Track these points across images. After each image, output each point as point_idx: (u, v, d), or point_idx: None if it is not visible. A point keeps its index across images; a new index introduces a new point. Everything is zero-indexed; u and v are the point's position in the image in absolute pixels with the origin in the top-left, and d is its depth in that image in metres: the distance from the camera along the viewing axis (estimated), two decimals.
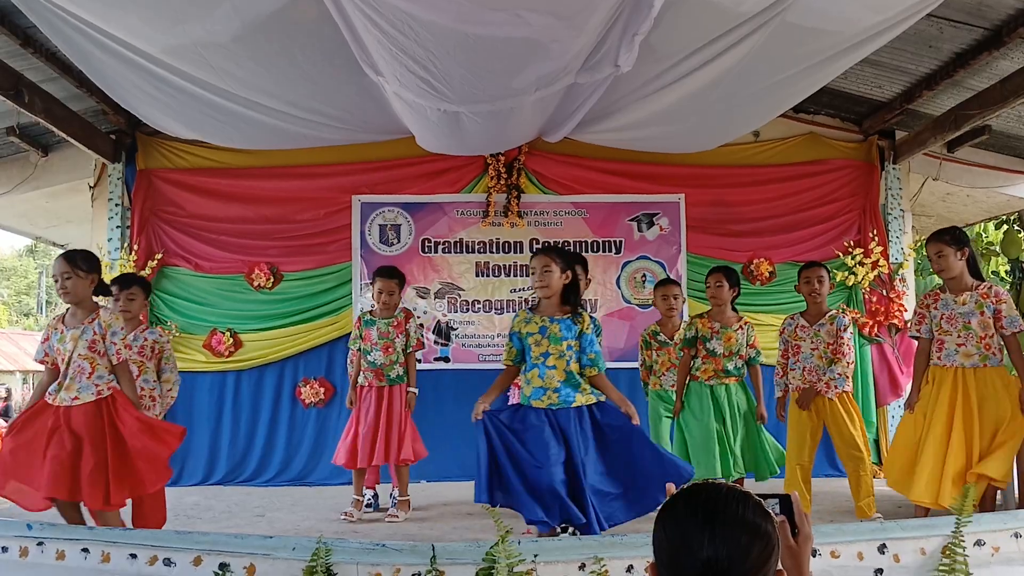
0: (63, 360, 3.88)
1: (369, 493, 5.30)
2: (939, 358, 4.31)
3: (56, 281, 3.90)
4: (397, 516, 5.06)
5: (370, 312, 5.24)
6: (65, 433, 3.78)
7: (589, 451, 3.73)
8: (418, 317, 5.54)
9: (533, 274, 3.87)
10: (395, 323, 5.12)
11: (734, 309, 5.06)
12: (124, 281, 4.77)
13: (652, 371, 5.39)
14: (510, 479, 3.66)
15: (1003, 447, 4.11)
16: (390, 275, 5.19)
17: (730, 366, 4.86)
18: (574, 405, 3.78)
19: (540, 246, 4.17)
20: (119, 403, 3.91)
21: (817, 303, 4.81)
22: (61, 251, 4.00)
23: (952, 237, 4.28)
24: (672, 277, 5.64)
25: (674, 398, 5.04)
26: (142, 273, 6.51)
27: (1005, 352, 4.26)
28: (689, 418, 4.88)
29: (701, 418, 4.79)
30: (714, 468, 4.66)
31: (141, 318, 5.00)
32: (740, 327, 4.93)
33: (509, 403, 4.09)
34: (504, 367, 4.05)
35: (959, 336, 4.23)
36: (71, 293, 3.89)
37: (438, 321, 6.76)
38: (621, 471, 3.74)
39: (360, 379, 5.13)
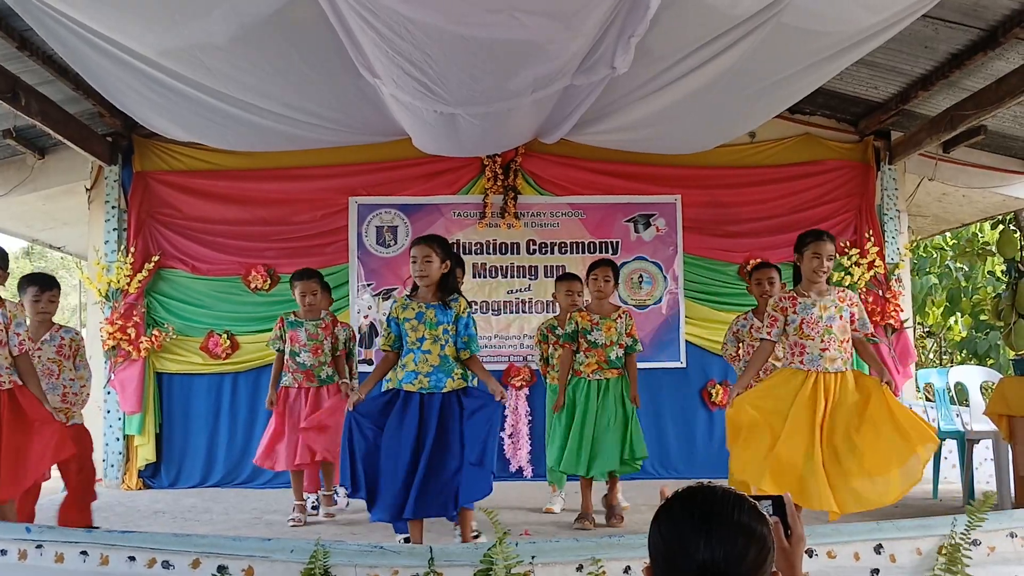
0: None
1: (312, 497, 5.29)
2: (801, 362, 4.11)
3: None
4: (333, 514, 5.08)
5: (293, 314, 5.19)
6: None
7: (443, 441, 3.83)
8: (349, 327, 5.51)
9: (414, 263, 3.96)
10: (323, 325, 5.12)
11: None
12: (47, 282, 4.50)
13: (550, 365, 5.41)
14: (364, 477, 3.84)
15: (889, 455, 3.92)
16: (309, 276, 5.18)
17: (612, 356, 4.86)
18: (444, 390, 3.90)
19: (421, 235, 4.18)
20: (22, 399, 3.84)
21: None
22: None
23: (830, 237, 4.22)
24: (572, 274, 5.61)
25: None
26: (139, 276, 6.52)
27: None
28: (564, 414, 4.91)
29: (575, 416, 4.83)
30: (574, 465, 4.78)
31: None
32: (619, 316, 4.93)
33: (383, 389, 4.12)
34: (383, 353, 4.10)
35: (822, 341, 4.08)
36: None
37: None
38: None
39: (287, 380, 5.08)
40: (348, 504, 5.42)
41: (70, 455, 4.05)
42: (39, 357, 4.30)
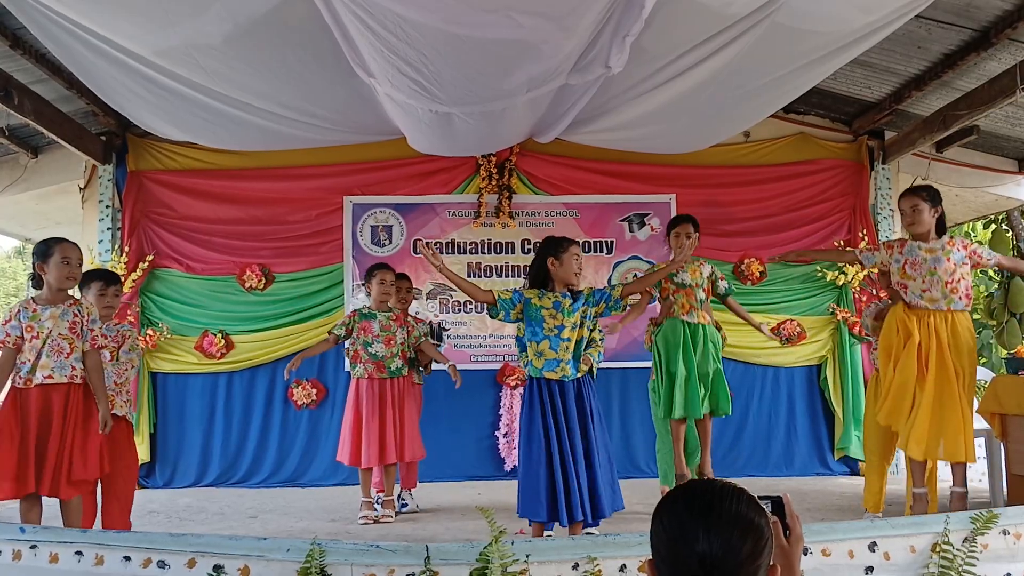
0: (38, 339, 3.86)
1: (380, 495, 5.25)
2: (903, 299, 4.39)
3: (67, 264, 3.94)
4: (391, 517, 5.07)
5: (367, 307, 5.24)
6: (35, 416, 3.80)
7: (584, 434, 3.98)
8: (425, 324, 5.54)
9: (577, 259, 4.05)
10: (394, 316, 5.18)
11: None
12: (111, 277, 4.58)
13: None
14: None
15: (957, 423, 4.20)
16: (386, 267, 5.27)
17: (700, 296, 5.08)
18: (579, 375, 4.06)
19: (568, 239, 4.20)
20: (90, 398, 3.94)
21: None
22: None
23: (928, 194, 4.38)
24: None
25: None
26: (133, 275, 6.51)
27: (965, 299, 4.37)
28: (663, 354, 5.07)
29: (675, 358, 4.98)
30: (697, 408, 4.93)
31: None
32: (701, 264, 5.20)
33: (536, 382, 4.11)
34: (487, 292, 4.06)
35: (923, 282, 4.31)
36: (78, 279, 4.06)
37: (430, 322, 6.74)
38: (599, 461, 4.00)
39: (359, 371, 5.12)
40: (407, 507, 5.41)
41: (97, 476, 4.04)
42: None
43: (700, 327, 5.05)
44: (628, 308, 4.45)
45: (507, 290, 4.08)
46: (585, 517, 3.89)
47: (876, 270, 4.59)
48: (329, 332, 5.22)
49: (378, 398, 5.04)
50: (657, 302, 5.38)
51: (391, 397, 5.06)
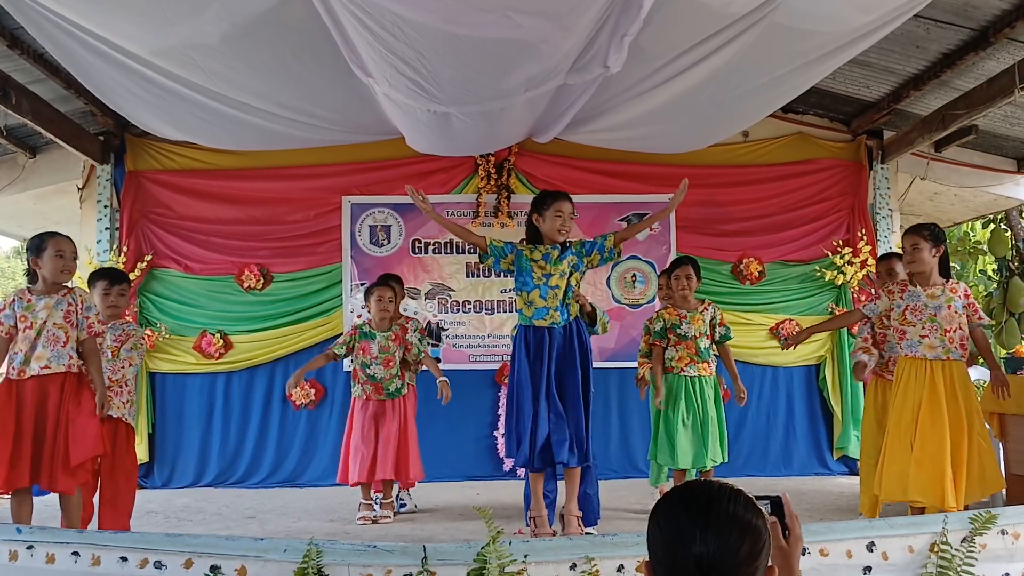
0: (32, 328, 3.85)
1: (379, 496, 5.25)
2: (900, 347, 4.32)
3: (61, 257, 3.94)
4: (389, 517, 5.08)
5: (368, 324, 5.21)
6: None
7: (562, 379, 4.14)
8: (417, 321, 5.47)
9: (559, 217, 4.20)
10: (393, 336, 5.13)
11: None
12: (117, 276, 4.58)
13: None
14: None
15: (980, 465, 4.10)
16: (383, 283, 5.24)
17: (702, 347, 4.91)
18: (571, 319, 4.22)
19: (561, 194, 4.34)
20: (85, 385, 3.92)
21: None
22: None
23: (930, 233, 4.28)
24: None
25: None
26: (132, 275, 6.50)
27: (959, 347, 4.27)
28: (670, 411, 4.91)
29: (674, 411, 4.85)
30: (677, 460, 4.79)
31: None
32: (705, 308, 5.01)
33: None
34: (480, 237, 4.37)
35: (923, 328, 4.21)
36: (73, 273, 4.06)
37: (429, 322, 6.76)
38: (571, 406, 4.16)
39: (357, 391, 5.13)
40: (405, 507, 5.41)
41: (96, 454, 4.01)
42: (101, 344, 4.29)
43: (699, 379, 4.89)
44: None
45: (500, 242, 4.30)
46: (555, 461, 4.07)
47: (883, 312, 4.50)
48: (329, 349, 5.24)
49: (373, 419, 5.06)
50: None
51: (388, 417, 5.07)
